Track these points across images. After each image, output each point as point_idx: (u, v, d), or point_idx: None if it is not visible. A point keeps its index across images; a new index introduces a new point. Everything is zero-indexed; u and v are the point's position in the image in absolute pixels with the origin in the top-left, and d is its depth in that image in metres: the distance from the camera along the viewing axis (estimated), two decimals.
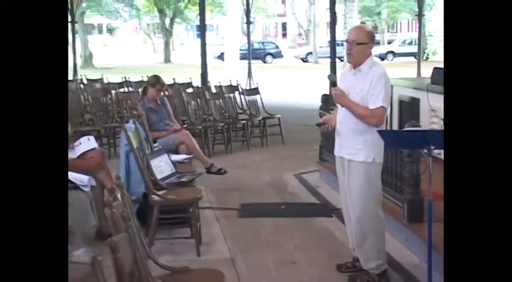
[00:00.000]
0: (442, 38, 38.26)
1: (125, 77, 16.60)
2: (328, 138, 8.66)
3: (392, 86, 10.10)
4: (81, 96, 13.58)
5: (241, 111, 13.43)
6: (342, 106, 5.39)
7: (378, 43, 48.14)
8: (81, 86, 15.51)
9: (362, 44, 5.34)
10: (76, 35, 23.03)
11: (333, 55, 16.89)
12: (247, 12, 21.48)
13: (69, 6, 20.53)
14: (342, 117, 5.45)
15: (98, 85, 15.69)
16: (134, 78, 16.63)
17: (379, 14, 50.03)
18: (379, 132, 5.05)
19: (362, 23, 44.05)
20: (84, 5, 25.97)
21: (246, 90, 14.16)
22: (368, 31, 5.51)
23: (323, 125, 5.78)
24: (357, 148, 5.35)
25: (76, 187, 6.09)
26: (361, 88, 5.30)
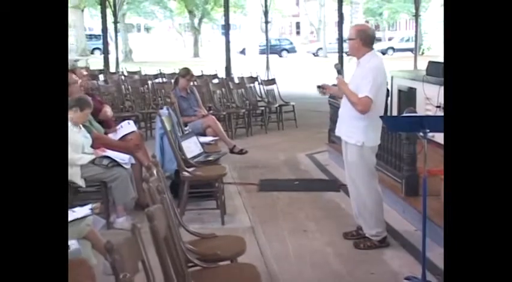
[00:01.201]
0: (436, 36, 38.17)
1: (159, 70, 16.63)
2: (335, 123, 8.65)
3: (392, 77, 10.15)
4: (122, 86, 13.60)
5: (260, 99, 13.40)
6: (341, 89, 5.43)
7: (380, 40, 47.75)
8: (122, 77, 15.53)
9: (351, 40, 5.39)
10: (118, 34, 23.00)
11: (340, 50, 16.90)
12: (266, 12, 21.42)
13: (112, 8, 20.60)
14: (343, 102, 5.51)
15: (136, 76, 15.73)
16: (167, 70, 16.64)
17: (380, 14, 49.65)
18: (382, 117, 5.07)
19: (366, 21, 43.83)
20: (125, 7, 26.00)
21: (264, 80, 14.12)
22: (357, 29, 5.48)
23: (322, 88, 5.85)
24: (351, 131, 5.39)
25: (118, 165, 6.12)
26: (356, 79, 5.35)
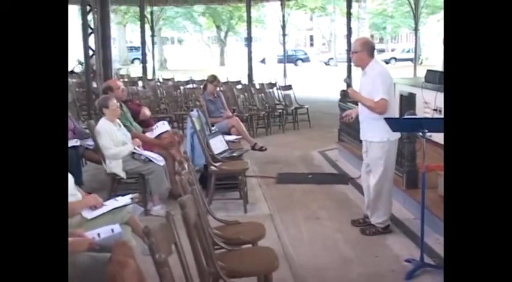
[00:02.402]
0: (433, 47, 37.92)
1: (190, 77, 16.68)
2: (346, 125, 8.67)
3: (394, 83, 10.10)
4: (158, 91, 13.68)
5: (278, 102, 13.37)
6: (357, 102, 5.43)
7: (383, 51, 47.53)
8: (158, 83, 15.60)
9: (356, 52, 5.37)
10: (155, 46, 23.13)
11: (348, 60, 16.75)
12: (283, 27, 21.39)
13: (150, 24, 20.74)
14: (360, 109, 5.51)
15: (170, 83, 15.77)
16: (197, 77, 16.68)
17: (384, 28, 49.35)
18: (386, 119, 5.05)
19: (371, 35, 43.63)
20: (161, 22, 26.20)
21: (281, 86, 14.10)
22: (362, 42, 5.46)
23: (345, 117, 5.99)
24: (374, 132, 5.37)
25: (153, 162, 6.17)
26: (366, 86, 5.33)
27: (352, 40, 17.01)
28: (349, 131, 8.68)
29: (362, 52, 5.32)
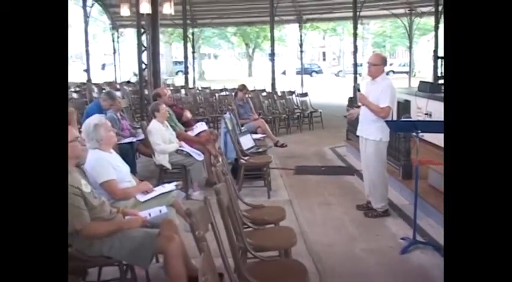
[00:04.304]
0: (424, 62, 37.40)
1: (224, 86, 16.66)
2: (351, 125, 8.62)
3: None
4: (197, 97, 13.72)
5: (296, 107, 13.32)
6: (363, 104, 5.37)
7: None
8: (197, 91, 15.63)
9: (376, 65, 5.31)
10: (195, 60, 23.21)
11: (355, 72, 16.69)
12: (301, 44, 21.32)
13: (191, 42, 20.85)
14: (363, 111, 5.45)
15: (207, 90, 15.77)
16: (229, 86, 16.67)
17: (384, 46, 48.72)
18: (386, 121, 5.01)
19: (373, 52, 43.13)
20: (200, 41, 26.35)
21: (299, 94, 14.05)
22: (381, 57, 5.43)
23: (350, 115, 6.10)
24: (371, 131, 5.32)
25: (193, 156, 6.21)
26: (375, 93, 5.27)
27: (358, 56, 17.09)
28: (355, 131, 8.60)
29: (380, 66, 5.30)
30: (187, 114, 7.76)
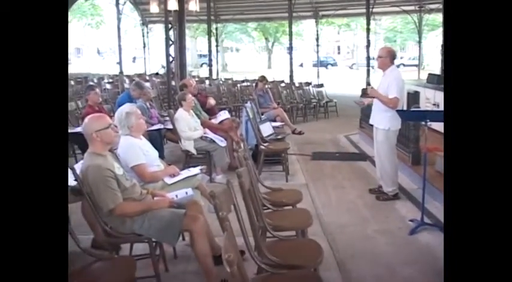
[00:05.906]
0: (432, 56, 36.84)
1: (245, 77, 16.60)
2: (364, 114, 8.53)
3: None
4: (220, 88, 13.70)
5: (313, 97, 13.20)
6: (373, 97, 5.31)
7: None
8: (220, 82, 15.62)
9: (381, 57, 5.26)
10: (218, 53, 23.19)
11: (367, 65, 16.48)
12: (317, 38, 21.09)
13: (215, 37, 20.81)
14: (375, 101, 5.37)
15: (230, 81, 15.74)
16: (250, 77, 16.61)
17: (395, 41, 48.01)
18: (397, 111, 4.94)
19: (385, 45, 42.57)
20: (223, 35, 26.25)
21: (315, 85, 13.94)
22: (387, 50, 5.35)
23: (360, 102, 6.20)
24: (381, 120, 5.29)
25: (216, 142, 6.21)
26: (384, 84, 5.22)
27: (371, 50, 16.88)
28: (367, 119, 8.53)
29: (386, 58, 5.22)
30: (211, 101, 7.76)
